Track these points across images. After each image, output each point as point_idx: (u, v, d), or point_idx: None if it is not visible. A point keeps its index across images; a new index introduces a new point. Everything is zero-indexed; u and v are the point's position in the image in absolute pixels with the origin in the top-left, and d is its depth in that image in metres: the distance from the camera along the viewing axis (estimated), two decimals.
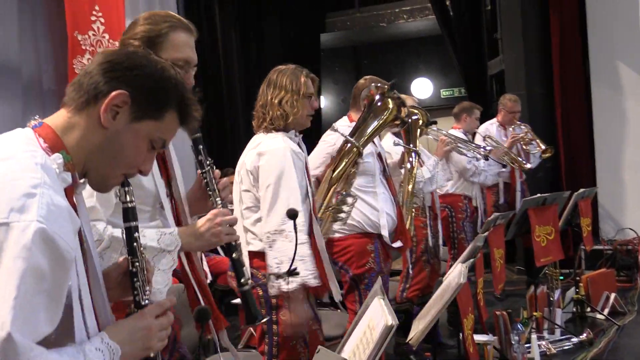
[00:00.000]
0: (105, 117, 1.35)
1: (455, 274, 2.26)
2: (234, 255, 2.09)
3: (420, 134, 4.41)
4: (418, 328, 2.20)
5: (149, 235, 1.88)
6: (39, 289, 1.13)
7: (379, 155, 3.77)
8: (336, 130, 3.24)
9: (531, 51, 6.90)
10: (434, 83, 11.49)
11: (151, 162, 1.47)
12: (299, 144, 3.04)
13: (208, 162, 2.07)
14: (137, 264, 1.47)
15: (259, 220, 2.92)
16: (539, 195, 4.25)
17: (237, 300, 4.51)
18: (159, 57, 1.94)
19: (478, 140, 5.87)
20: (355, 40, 11.27)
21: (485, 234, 3.35)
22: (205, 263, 5.42)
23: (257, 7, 9.01)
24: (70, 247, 1.20)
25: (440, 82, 11.47)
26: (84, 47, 5.22)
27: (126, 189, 1.47)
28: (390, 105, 3.33)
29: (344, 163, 3.22)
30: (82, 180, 1.40)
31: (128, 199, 1.47)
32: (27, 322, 1.11)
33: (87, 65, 1.43)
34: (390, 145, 4.49)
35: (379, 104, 3.35)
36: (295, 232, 2.69)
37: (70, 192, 1.34)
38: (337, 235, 3.63)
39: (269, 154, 2.88)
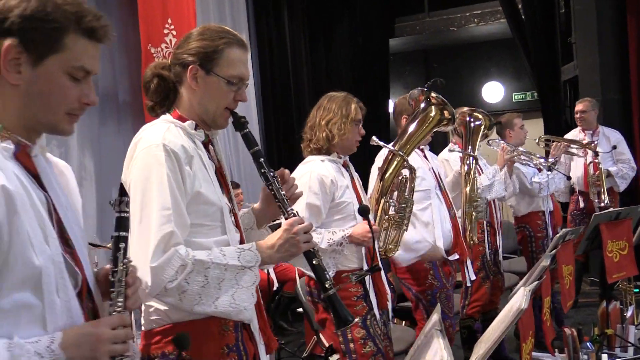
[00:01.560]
0: (10, 76, 1.32)
1: (518, 297, 2.21)
2: (314, 261, 2.06)
3: (485, 137, 4.31)
4: (479, 352, 2.17)
5: (229, 254, 1.89)
6: None
7: (432, 170, 3.79)
8: (376, 142, 3.24)
9: (607, 56, 6.66)
10: (505, 87, 11.26)
11: (89, 88, 1.40)
12: (344, 164, 3.12)
13: (272, 174, 2.05)
14: (117, 274, 1.43)
15: None
16: (611, 209, 4.12)
17: (301, 310, 4.55)
18: (217, 75, 1.96)
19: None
20: (425, 44, 11.17)
21: (553, 252, 3.27)
22: (272, 271, 5.53)
23: (326, 14, 9.07)
24: None
25: (513, 86, 11.21)
26: (156, 60, 5.39)
27: (122, 199, 1.44)
28: (433, 112, 3.29)
29: (388, 173, 3.21)
30: (36, 142, 1.40)
31: (123, 209, 1.45)
32: None
33: None
34: (448, 154, 4.47)
35: (421, 112, 3.32)
36: (371, 228, 2.75)
37: (23, 156, 1.36)
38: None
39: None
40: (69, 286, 1.36)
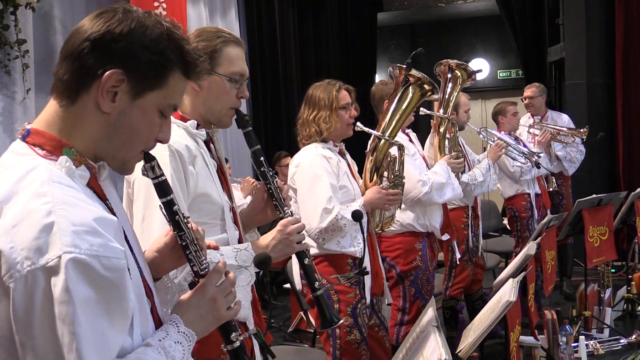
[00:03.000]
0: (103, 103, 1.21)
1: (506, 289, 2.30)
2: (305, 261, 2.12)
3: (462, 86, 4.16)
4: (467, 340, 2.26)
5: (226, 253, 1.92)
6: (95, 315, 1.07)
7: (424, 158, 3.87)
8: (361, 128, 3.26)
9: (594, 39, 6.72)
10: (491, 64, 11.30)
11: (168, 128, 1.34)
12: (340, 152, 3.17)
13: (271, 173, 2.09)
14: (185, 235, 1.41)
15: None
16: (594, 195, 4.20)
17: (288, 285, 4.63)
18: (218, 74, 1.96)
19: (523, 132, 5.84)
20: (412, 18, 11.15)
21: (538, 239, 3.36)
22: None
23: None
24: (114, 256, 1.11)
25: (498, 63, 11.26)
26: None
27: (152, 164, 1.37)
28: (411, 92, 3.30)
29: (376, 156, 3.24)
30: (98, 164, 1.30)
31: (158, 173, 1.38)
32: (99, 350, 1.08)
33: (63, 47, 1.25)
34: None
35: (401, 93, 3.31)
36: (362, 233, 2.79)
37: (93, 181, 1.27)
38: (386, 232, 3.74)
39: (301, 164, 3.07)
40: (149, 320, 1.30)
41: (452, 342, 4.56)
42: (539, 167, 4.98)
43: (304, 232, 2.09)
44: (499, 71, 11.29)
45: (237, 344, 1.45)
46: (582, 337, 3.92)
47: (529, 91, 6.15)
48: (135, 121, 1.25)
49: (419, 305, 3.76)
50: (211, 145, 2.12)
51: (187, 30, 5.43)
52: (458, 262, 4.57)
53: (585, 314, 4.35)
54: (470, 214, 4.59)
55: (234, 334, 1.44)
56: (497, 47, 11.08)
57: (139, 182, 1.90)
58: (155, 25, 1.25)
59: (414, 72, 3.27)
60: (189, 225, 1.42)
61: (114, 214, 1.27)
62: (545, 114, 6.15)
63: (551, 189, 5.70)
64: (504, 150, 4.78)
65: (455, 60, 4.08)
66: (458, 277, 4.61)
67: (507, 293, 2.26)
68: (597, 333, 4.31)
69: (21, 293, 1.05)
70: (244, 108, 6.61)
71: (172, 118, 1.97)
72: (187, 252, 1.41)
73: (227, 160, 5.93)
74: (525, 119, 6.13)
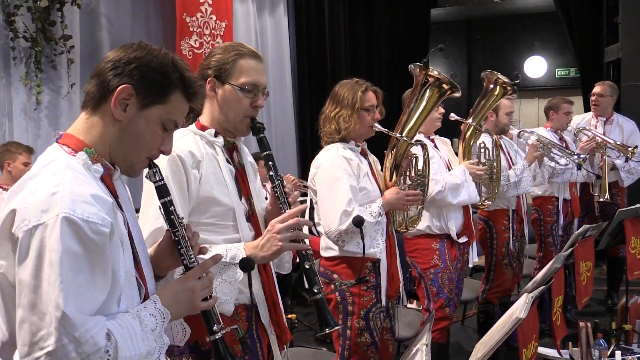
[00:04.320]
0: (116, 111, 1.51)
1: (519, 304, 2.23)
2: (305, 264, 2.16)
3: (495, 102, 4.11)
4: (477, 355, 2.21)
5: (215, 251, 1.99)
6: (79, 268, 1.33)
7: (449, 164, 3.83)
8: (379, 129, 3.19)
9: None
10: (548, 62, 11.00)
11: (170, 142, 1.61)
12: (362, 152, 3.14)
13: (278, 177, 2.18)
14: (178, 232, 1.66)
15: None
16: (637, 205, 4.04)
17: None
18: (230, 84, 2.15)
19: (569, 134, 5.57)
20: (468, 14, 10.95)
21: (568, 251, 3.25)
22: None
23: None
24: (101, 223, 1.37)
25: (556, 61, 10.95)
26: (191, 29, 5.43)
27: (154, 170, 1.64)
28: (429, 93, 3.22)
29: (394, 157, 3.19)
30: (115, 168, 1.58)
31: (157, 178, 1.65)
32: (78, 298, 1.32)
33: (95, 69, 1.58)
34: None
35: (420, 93, 3.24)
36: (362, 240, 2.78)
37: (107, 178, 1.55)
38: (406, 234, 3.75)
39: (321, 166, 3.05)
40: (136, 299, 1.53)
41: None
42: (580, 169, 4.79)
43: (304, 229, 2.14)
44: (557, 69, 10.98)
45: (219, 335, 1.68)
46: (618, 352, 3.78)
47: (598, 87, 5.72)
48: (141, 129, 1.55)
49: (442, 304, 3.74)
50: (234, 152, 2.25)
51: (233, 27, 5.47)
52: (495, 266, 4.48)
53: (625, 327, 4.20)
54: (511, 217, 4.48)
55: (216, 326, 1.67)
56: (555, 44, 10.77)
57: (144, 185, 2.08)
58: (163, 55, 1.56)
59: (432, 71, 3.21)
60: (183, 224, 1.68)
61: (121, 207, 1.56)
62: (611, 117, 5.73)
63: (601, 200, 5.39)
64: (540, 151, 4.63)
65: (504, 78, 4.03)
66: (496, 280, 4.52)
67: (518, 309, 2.20)
68: (637, 348, 4.16)
69: (25, 241, 1.34)
70: (289, 104, 6.67)
71: (193, 127, 2.23)
72: (179, 247, 1.66)
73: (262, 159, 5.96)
74: (589, 118, 5.80)
